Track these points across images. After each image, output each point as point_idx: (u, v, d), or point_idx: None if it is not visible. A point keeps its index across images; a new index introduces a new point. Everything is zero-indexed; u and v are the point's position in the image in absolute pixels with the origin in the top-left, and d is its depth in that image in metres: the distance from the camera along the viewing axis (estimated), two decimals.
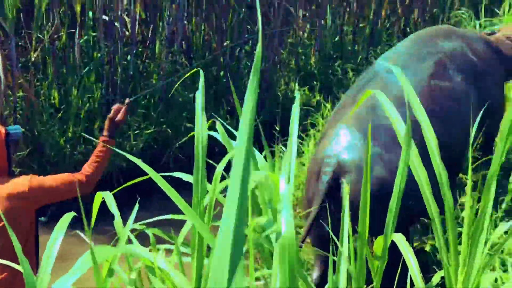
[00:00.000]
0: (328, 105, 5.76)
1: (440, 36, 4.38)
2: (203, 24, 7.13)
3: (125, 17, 6.59)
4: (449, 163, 2.62)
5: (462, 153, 3.78)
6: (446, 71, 4.03)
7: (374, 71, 3.95)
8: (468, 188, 1.82)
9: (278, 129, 5.61)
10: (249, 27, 7.11)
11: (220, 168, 2.11)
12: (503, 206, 3.65)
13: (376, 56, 7.38)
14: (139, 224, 2.45)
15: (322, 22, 7.78)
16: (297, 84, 4.16)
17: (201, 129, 2.10)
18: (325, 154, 3.52)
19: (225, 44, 6.89)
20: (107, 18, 6.29)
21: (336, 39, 8.08)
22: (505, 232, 2.72)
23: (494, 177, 1.67)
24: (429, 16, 9.33)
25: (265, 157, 2.70)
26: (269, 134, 4.72)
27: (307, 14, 8.18)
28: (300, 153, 5.27)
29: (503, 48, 4.70)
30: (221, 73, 6.85)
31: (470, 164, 1.90)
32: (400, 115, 2.85)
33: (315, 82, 7.07)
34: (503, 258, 2.90)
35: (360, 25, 8.45)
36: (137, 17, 6.56)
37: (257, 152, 2.58)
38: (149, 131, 6.00)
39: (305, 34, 8.08)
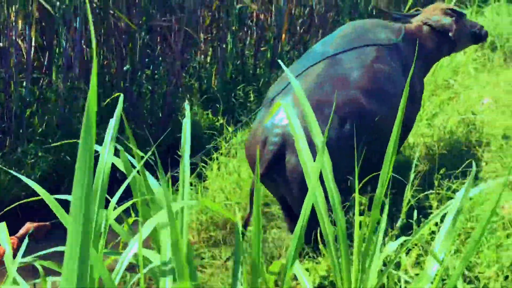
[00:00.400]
0: (230, 129, 5.77)
1: (375, 27, 4.83)
2: (102, 48, 6.99)
3: (20, 42, 6.36)
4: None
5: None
6: (385, 57, 4.48)
7: (314, 54, 4.42)
8: (356, 208, 1.85)
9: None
10: (149, 51, 7.03)
11: (115, 199, 2.07)
12: (398, 223, 3.74)
13: (276, 78, 7.51)
14: (33, 257, 2.36)
15: (224, 46, 7.83)
16: (195, 107, 4.18)
17: (105, 157, 2.04)
18: (273, 124, 3.82)
19: (125, 68, 6.78)
20: (1, 44, 6.05)
21: (238, 62, 8.14)
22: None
23: (381, 196, 1.71)
24: None
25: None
26: (172, 158, 4.66)
27: (209, 38, 8.20)
28: (204, 177, 5.24)
29: (422, 38, 5.05)
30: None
31: (357, 185, 1.94)
32: (344, 96, 3.95)
33: (218, 106, 7.08)
34: (398, 275, 2.97)
35: (262, 48, 8.55)
36: (33, 42, 6.34)
37: (152, 179, 2.52)
38: (47, 159, 5.80)
39: (208, 58, 8.11)
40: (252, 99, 7.15)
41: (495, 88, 7.29)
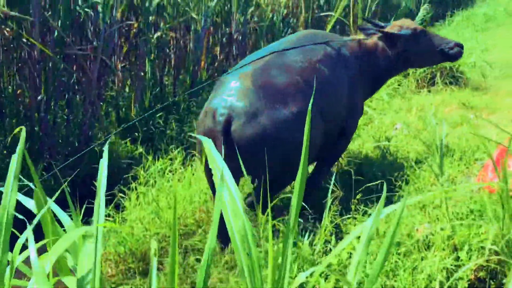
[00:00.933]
0: (150, 157, 5.69)
1: (321, 37, 5.22)
2: (15, 76, 6.79)
3: None
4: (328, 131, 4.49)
5: (335, 128, 4.84)
6: (330, 63, 4.91)
7: (265, 49, 4.93)
8: (269, 235, 1.85)
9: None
10: (65, 79, 6.88)
11: (21, 240, 2.00)
12: (317, 248, 3.78)
13: (196, 106, 7.51)
14: None
15: (142, 73, 7.77)
16: (113, 136, 4.12)
17: (8, 196, 1.96)
18: (221, 99, 4.25)
19: (39, 97, 6.60)
20: None
21: (157, 90, 8.09)
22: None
23: (294, 225, 1.72)
24: None
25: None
26: (89, 189, 4.55)
27: (126, 66, 8.12)
28: (122, 208, 5.14)
29: (377, 54, 5.39)
30: (36, 128, 6.54)
31: (270, 218, 1.95)
32: (288, 78, 4.49)
33: (136, 134, 6.99)
34: None
35: (180, 76, 8.54)
36: None
37: (63, 214, 2.44)
38: None
39: (126, 86, 8.01)
40: (173, 127, 7.10)
41: (407, 113, 7.54)
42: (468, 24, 16.80)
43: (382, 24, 5.62)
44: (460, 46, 5.59)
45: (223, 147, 4.01)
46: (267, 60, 4.63)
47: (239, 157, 3.28)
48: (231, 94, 4.23)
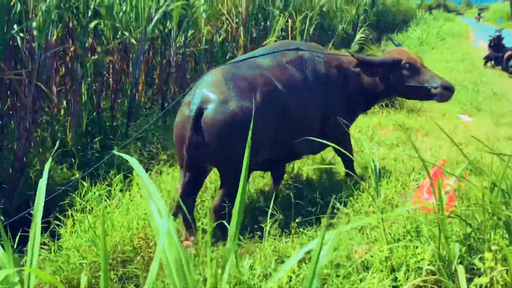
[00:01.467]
0: (86, 183, 5.56)
1: (295, 45, 5.66)
2: None
3: None
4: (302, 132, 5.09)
5: (307, 129, 5.22)
6: (302, 68, 5.37)
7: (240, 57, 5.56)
8: (208, 261, 1.82)
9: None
10: None
11: None
12: (257, 271, 3.76)
13: (134, 130, 7.41)
14: None
15: (78, 98, 7.61)
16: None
17: None
18: (195, 89, 4.82)
19: None
20: None
21: (94, 114, 7.95)
22: None
23: (231, 251, 1.70)
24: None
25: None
26: (24, 217, 4.41)
27: (62, 90, 7.94)
28: (58, 235, 4.99)
29: (357, 75, 5.67)
30: None
31: (209, 243, 1.92)
32: (257, 72, 5.04)
33: (73, 160, 6.83)
34: None
35: (118, 100, 8.43)
36: None
37: None
38: None
39: (62, 111, 7.83)
40: (109, 152, 6.89)
41: None
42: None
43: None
44: (448, 88, 5.55)
45: (191, 133, 4.60)
46: (238, 60, 5.39)
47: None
48: (204, 86, 4.79)
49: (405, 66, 5.56)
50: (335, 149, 5.56)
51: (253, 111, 4.58)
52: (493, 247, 3.45)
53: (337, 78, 5.56)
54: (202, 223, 4.94)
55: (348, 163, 5.64)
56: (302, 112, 5.21)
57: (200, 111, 4.65)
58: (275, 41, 10.26)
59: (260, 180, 5.95)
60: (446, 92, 5.54)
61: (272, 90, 4.96)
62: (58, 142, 7.18)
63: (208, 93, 4.72)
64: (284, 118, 5.00)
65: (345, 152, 4.92)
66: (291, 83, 5.17)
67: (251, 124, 4.48)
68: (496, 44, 16.99)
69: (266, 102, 4.85)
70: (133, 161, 2.29)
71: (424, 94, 5.61)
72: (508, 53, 16.25)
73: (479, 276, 3.41)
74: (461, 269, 3.06)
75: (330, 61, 5.59)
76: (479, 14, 57.41)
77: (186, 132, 4.65)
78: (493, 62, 17.10)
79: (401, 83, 5.59)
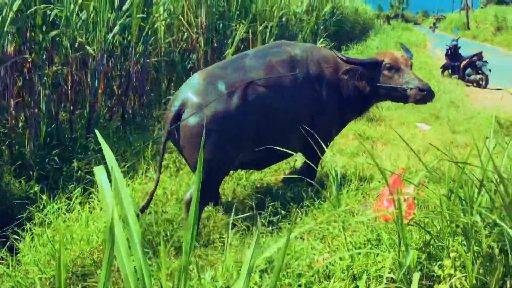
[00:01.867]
0: (45, 197, 5.47)
1: (288, 44, 5.80)
2: None
3: None
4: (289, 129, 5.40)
5: (293, 130, 5.41)
6: (290, 68, 5.45)
7: (236, 57, 5.62)
8: (163, 274, 1.81)
9: None
10: None
11: None
12: (219, 283, 3.74)
13: (94, 141, 7.32)
14: None
15: (36, 110, 7.48)
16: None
17: None
18: (177, 93, 5.10)
19: None
20: None
21: (52, 126, 7.81)
22: None
23: (187, 263, 1.69)
24: (147, 102, 9.60)
25: None
26: None
27: (19, 102, 7.79)
28: (16, 250, 4.89)
29: (347, 80, 5.71)
30: None
31: (163, 255, 1.90)
32: (240, 77, 5.12)
33: (31, 173, 6.71)
34: None
35: (77, 111, 8.31)
36: None
37: None
38: None
39: (19, 123, 7.69)
40: (75, 165, 6.74)
41: None
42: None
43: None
44: (422, 90, 5.50)
45: (166, 132, 4.91)
46: (225, 60, 5.58)
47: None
48: (185, 89, 5.03)
49: (386, 66, 5.61)
50: (304, 155, 5.66)
51: (231, 115, 4.87)
52: (452, 254, 3.50)
53: (330, 80, 5.60)
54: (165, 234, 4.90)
55: (313, 171, 5.65)
56: (288, 113, 5.33)
57: (178, 114, 4.91)
58: (234, 52, 10.27)
59: (220, 191, 5.93)
60: (423, 94, 5.52)
61: (253, 93, 5.10)
62: (16, 154, 7.06)
63: (188, 96, 4.95)
64: (267, 119, 5.15)
65: (311, 164, 5.09)
66: (277, 84, 5.28)
67: (228, 129, 4.84)
68: (453, 53, 17.32)
69: (245, 104, 5.00)
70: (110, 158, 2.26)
71: (402, 95, 5.64)
72: (464, 62, 16.59)
73: (439, 283, 3.45)
74: (416, 276, 3.09)
75: (324, 62, 5.62)
76: (434, 24, 58.57)
77: (164, 134, 4.97)
78: (449, 71, 17.42)
79: (378, 83, 5.63)
